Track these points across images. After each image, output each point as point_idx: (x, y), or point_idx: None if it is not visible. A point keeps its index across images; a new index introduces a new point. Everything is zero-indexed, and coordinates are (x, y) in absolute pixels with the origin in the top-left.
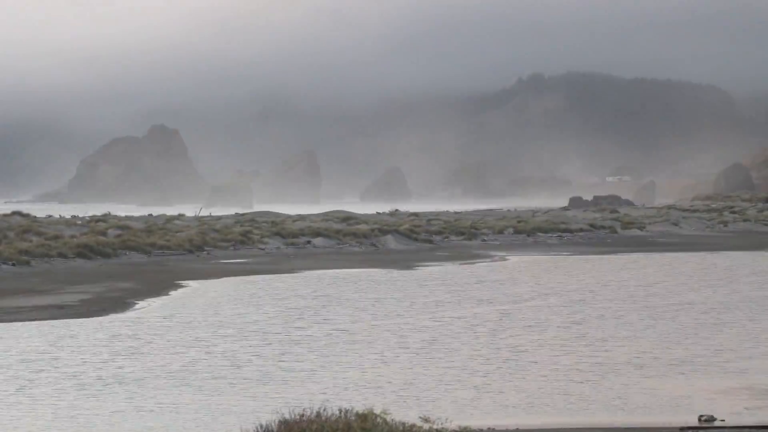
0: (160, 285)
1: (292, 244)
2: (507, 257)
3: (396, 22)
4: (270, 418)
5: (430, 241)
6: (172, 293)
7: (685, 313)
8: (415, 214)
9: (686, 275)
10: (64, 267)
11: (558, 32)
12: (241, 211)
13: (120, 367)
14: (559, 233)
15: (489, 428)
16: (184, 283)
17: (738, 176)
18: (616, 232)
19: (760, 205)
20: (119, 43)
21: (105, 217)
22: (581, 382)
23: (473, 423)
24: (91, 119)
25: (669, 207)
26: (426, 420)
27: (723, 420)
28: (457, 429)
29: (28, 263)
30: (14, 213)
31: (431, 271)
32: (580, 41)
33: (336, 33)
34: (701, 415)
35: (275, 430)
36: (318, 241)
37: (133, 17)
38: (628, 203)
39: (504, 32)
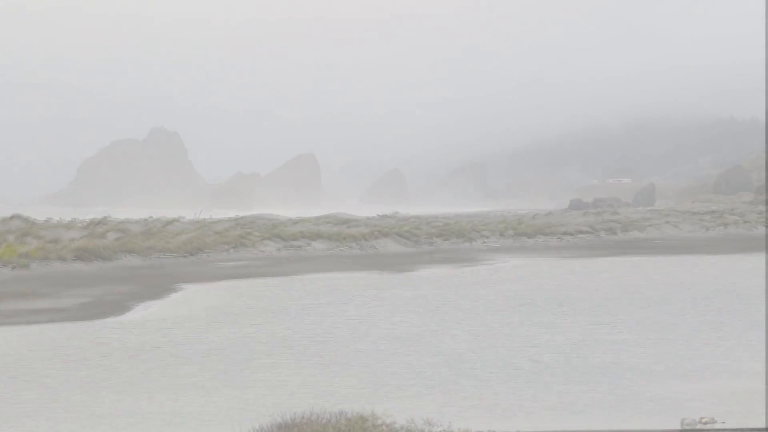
0: (159, 288)
1: (291, 247)
2: (507, 260)
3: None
4: (269, 420)
5: (430, 244)
6: (171, 296)
7: (688, 319)
8: (416, 217)
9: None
10: (63, 270)
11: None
12: (240, 213)
13: (120, 369)
14: (559, 236)
15: (489, 431)
16: (182, 286)
17: (738, 179)
18: (615, 234)
19: (761, 207)
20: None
21: (104, 221)
22: (581, 385)
23: (474, 426)
24: (92, 121)
25: (669, 209)
26: (428, 423)
27: (723, 422)
28: None
29: (27, 266)
30: (14, 216)
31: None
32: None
33: (335, 33)
34: (702, 417)
35: None
36: (317, 243)
37: (133, 19)
38: (628, 205)
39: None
